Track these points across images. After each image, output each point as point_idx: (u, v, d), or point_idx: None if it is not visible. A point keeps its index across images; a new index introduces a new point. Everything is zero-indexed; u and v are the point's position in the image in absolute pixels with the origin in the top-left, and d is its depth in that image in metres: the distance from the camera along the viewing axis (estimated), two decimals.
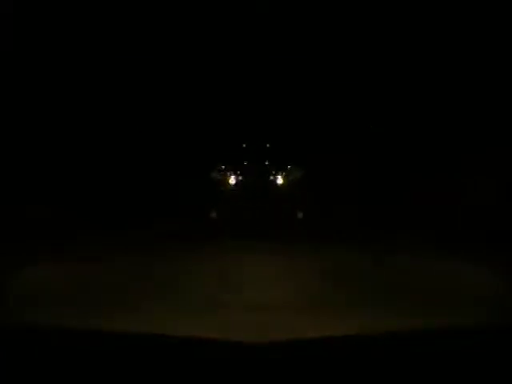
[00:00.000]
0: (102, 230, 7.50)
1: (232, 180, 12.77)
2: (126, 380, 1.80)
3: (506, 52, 9.25)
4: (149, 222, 8.65)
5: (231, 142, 13.26)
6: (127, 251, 6.02)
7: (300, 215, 10.12)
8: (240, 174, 12.93)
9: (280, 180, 12.98)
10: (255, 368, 1.76)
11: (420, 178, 9.76)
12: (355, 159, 11.61)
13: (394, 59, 11.16)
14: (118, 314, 2.63)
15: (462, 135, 9.49)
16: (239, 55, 12.77)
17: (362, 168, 11.43)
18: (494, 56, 9.47)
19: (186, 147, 12.14)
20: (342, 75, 12.11)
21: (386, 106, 11.82)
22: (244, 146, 13.62)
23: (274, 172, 13.05)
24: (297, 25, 12.06)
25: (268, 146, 13.72)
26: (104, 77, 10.98)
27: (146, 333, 1.96)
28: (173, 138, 12.05)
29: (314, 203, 10.49)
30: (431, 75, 10.53)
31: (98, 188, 9.87)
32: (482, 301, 3.31)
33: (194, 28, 11.80)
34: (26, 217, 7.41)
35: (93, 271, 4.67)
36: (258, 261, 5.64)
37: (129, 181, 10.49)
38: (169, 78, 12.08)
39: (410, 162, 10.39)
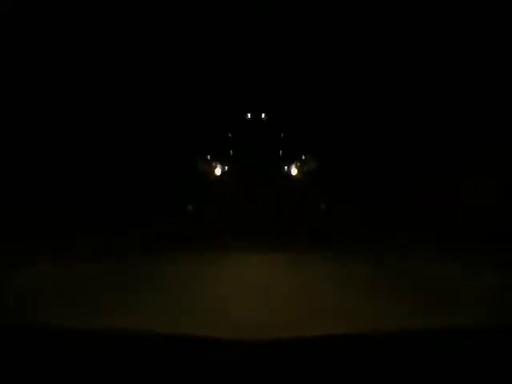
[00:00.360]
0: (101, 229, 7.50)
1: (217, 170, 12.44)
2: (126, 380, 1.80)
3: (505, 52, 9.25)
4: (149, 222, 8.65)
5: (216, 131, 12.95)
6: (127, 251, 6.03)
7: (323, 207, 9.71)
8: (226, 164, 12.57)
9: (294, 170, 12.41)
10: (257, 366, 1.76)
11: (420, 178, 9.76)
12: (355, 159, 11.61)
13: (394, 59, 11.16)
14: (118, 314, 2.64)
15: (461, 135, 9.49)
16: (245, 54, 12.74)
17: (362, 168, 11.43)
18: (493, 56, 9.47)
19: (173, 138, 12.00)
20: (341, 75, 12.11)
21: (386, 106, 11.83)
22: (230, 135, 13.37)
23: (288, 162, 12.61)
24: (296, 27, 12.07)
25: (282, 135, 13.44)
26: (98, 75, 10.97)
27: (146, 332, 1.96)
28: (164, 130, 11.97)
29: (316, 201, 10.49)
30: (431, 75, 10.53)
31: (98, 188, 9.87)
32: (482, 301, 3.31)
33: (184, 17, 11.75)
34: (25, 217, 7.39)
35: (93, 271, 4.67)
36: (257, 261, 5.64)
37: (128, 180, 10.48)
38: (163, 74, 12.05)
39: (410, 162, 10.39)
